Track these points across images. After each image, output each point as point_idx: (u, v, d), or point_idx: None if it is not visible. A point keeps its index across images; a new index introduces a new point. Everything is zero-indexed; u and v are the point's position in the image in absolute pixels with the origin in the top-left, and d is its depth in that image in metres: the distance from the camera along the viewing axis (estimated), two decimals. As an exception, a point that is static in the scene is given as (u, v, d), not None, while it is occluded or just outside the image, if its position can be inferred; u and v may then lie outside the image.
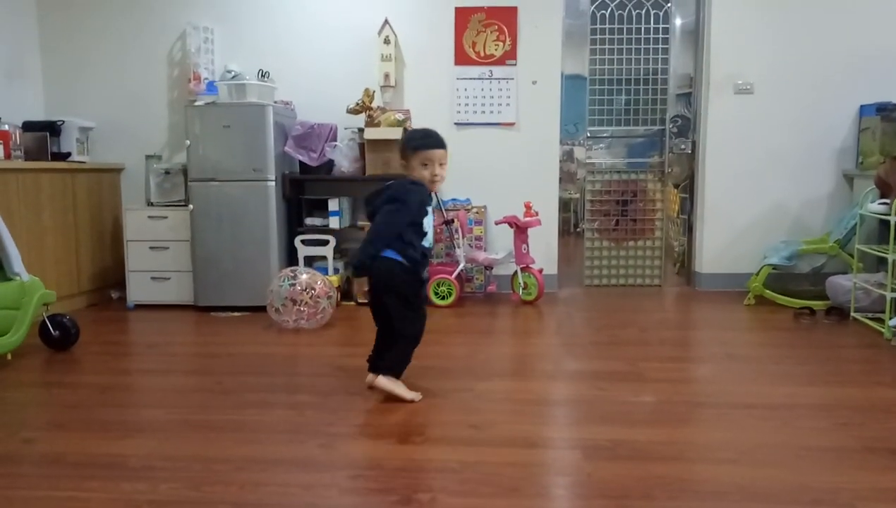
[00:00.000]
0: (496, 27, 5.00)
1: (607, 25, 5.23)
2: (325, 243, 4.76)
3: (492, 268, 5.00)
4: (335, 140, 4.83)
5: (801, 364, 3.40)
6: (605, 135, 5.41)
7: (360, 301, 4.75)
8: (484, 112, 5.05)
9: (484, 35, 5.01)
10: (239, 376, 3.24)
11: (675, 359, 3.56)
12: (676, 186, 5.58)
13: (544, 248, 5.10)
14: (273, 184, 4.55)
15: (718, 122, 5.10)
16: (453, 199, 5.02)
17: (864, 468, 2.21)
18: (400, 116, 4.72)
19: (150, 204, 4.88)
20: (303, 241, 4.76)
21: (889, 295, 3.79)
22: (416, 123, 4.96)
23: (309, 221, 4.89)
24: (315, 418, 2.69)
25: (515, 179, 5.03)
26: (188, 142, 4.55)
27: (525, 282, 4.82)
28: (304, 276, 4.08)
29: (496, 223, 4.92)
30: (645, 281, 5.48)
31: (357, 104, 4.72)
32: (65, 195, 4.61)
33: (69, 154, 4.77)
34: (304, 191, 4.98)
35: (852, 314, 4.19)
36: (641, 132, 5.38)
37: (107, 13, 5.14)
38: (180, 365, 3.56)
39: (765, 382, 3.10)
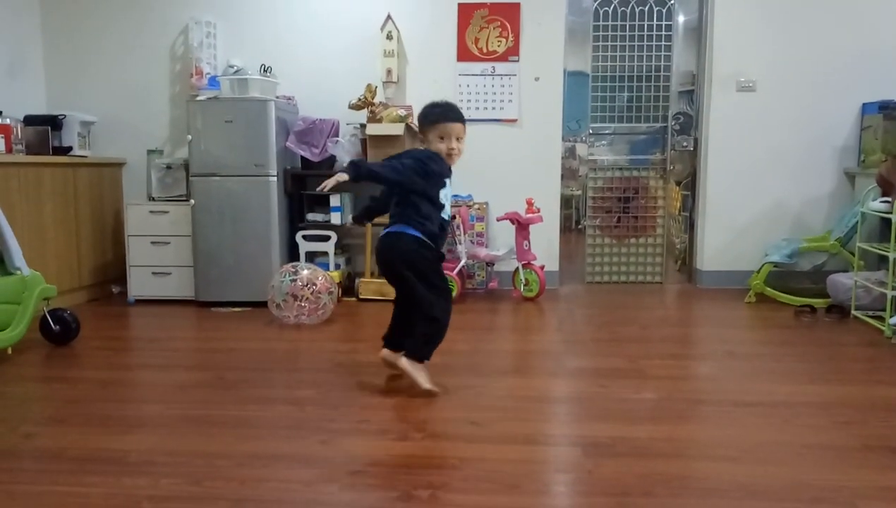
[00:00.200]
0: (499, 23, 4.99)
1: (610, 22, 5.22)
2: (326, 239, 4.76)
3: (493, 265, 5.01)
4: (337, 135, 4.83)
5: (802, 362, 3.40)
6: (607, 131, 5.40)
7: (360, 296, 4.76)
8: (486, 108, 5.04)
9: (487, 31, 5.00)
10: (240, 371, 3.24)
11: (676, 357, 3.56)
12: (678, 183, 5.58)
13: (546, 245, 5.10)
14: (274, 179, 4.55)
15: (720, 120, 5.09)
16: (455, 196, 5.00)
17: (864, 466, 2.21)
18: (402, 112, 4.71)
19: (151, 198, 4.88)
20: (304, 237, 4.76)
21: (890, 293, 3.79)
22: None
23: (310, 217, 4.89)
24: (316, 414, 2.69)
25: (517, 176, 5.02)
26: (190, 136, 4.54)
27: (526, 279, 4.82)
28: (306, 272, 4.08)
29: (498, 219, 4.92)
30: (646, 278, 5.48)
31: (359, 100, 4.72)
32: (66, 189, 4.61)
33: (70, 148, 4.77)
34: (306, 187, 4.98)
35: (853, 312, 4.18)
36: (643, 129, 5.37)
37: (109, 8, 5.13)
38: (181, 360, 3.56)
39: (765, 380, 3.10)
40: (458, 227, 4.78)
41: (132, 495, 2.03)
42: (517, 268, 4.84)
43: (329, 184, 2.76)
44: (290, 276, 4.06)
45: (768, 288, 4.70)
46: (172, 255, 4.71)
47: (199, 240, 4.59)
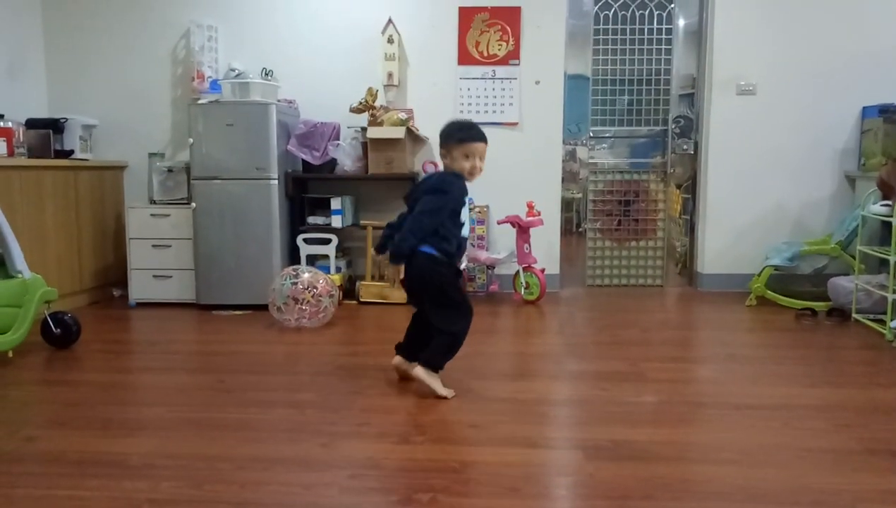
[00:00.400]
0: (499, 27, 4.99)
1: (610, 26, 5.23)
2: (327, 242, 4.76)
3: (494, 268, 5.01)
4: (338, 139, 4.84)
5: (803, 365, 3.40)
6: (607, 135, 5.41)
7: (361, 300, 4.76)
8: (487, 112, 5.05)
9: (487, 35, 5.01)
10: (240, 374, 3.24)
11: (677, 360, 3.56)
12: (679, 187, 5.58)
13: (546, 248, 5.10)
14: (276, 182, 4.56)
15: (721, 123, 5.09)
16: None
17: (865, 469, 2.21)
18: (403, 116, 4.72)
19: (152, 202, 4.89)
20: (305, 240, 4.77)
21: (890, 296, 3.79)
22: (419, 123, 4.97)
23: (311, 220, 4.90)
24: (316, 417, 2.69)
25: (518, 179, 5.03)
26: (191, 140, 4.55)
27: (527, 282, 4.82)
28: (306, 275, 4.08)
29: (498, 222, 4.93)
30: (647, 281, 5.48)
31: (360, 103, 4.72)
32: (67, 192, 4.61)
33: (72, 151, 4.78)
34: (307, 190, 4.99)
35: (854, 315, 4.18)
36: (644, 132, 5.38)
37: (111, 11, 5.14)
38: (182, 363, 3.56)
39: (766, 383, 3.10)
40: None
41: (133, 498, 2.03)
42: (518, 272, 4.85)
43: (397, 281, 2.95)
44: (290, 279, 4.06)
45: (769, 292, 4.70)
46: (173, 258, 4.71)
47: (201, 244, 4.60)
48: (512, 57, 5.02)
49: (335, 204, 4.81)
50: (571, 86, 5.24)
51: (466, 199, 2.97)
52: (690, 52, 5.31)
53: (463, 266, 4.62)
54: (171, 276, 4.74)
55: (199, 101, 4.59)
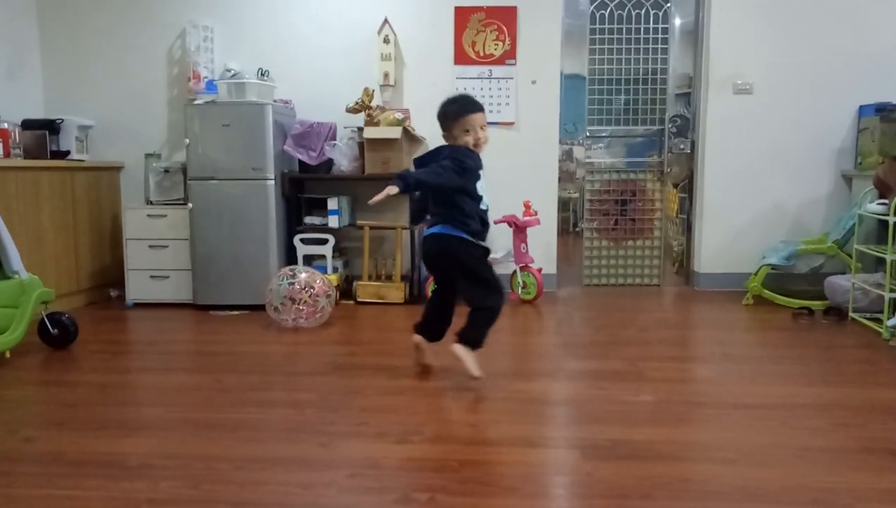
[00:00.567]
0: (496, 27, 5.00)
1: (606, 25, 5.23)
2: (324, 242, 4.76)
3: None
4: (334, 139, 4.83)
5: (800, 364, 3.40)
6: (604, 134, 5.41)
7: (358, 299, 4.76)
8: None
9: (483, 34, 5.01)
10: (238, 375, 3.24)
11: (674, 359, 3.57)
12: (675, 186, 5.59)
13: (543, 248, 5.10)
14: (272, 182, 4.55)
15: (717, 122, 5.10)
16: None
17: (862, 468, 2.21)
18: (399, 115, 4.72)
19: (149, 202, 4.88)
20: (302, 240, 4.76)
21: (887, 295, 3.80)
22: (416, 123, 4.97)
23: (308, 220, 4.90)
24: (314, 417, 2.69)
25: (514, 178, 5.03)
26: (187, 140, 4.54)
27: (524, 282, 4.82)
28: (303, 275, 4.08)
29: (495, 222, 4.89)
30: (644, 280, 5.49)
31: (356, 103, 4.72)
32: (64, 193, 4.60)
33: (68, 152, 4.76)
34: (304, 190, 4.98)
35: (850, 314, 4.19)
36: (641, 132, 5.38)
37: (107, 11, 5.13)
38: (179, 363, 3.55)
39: (763, 382, 3.11)
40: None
41: (131, 498, 2.03)
42: (515, 271, 4.85)
43: (379, 197, 2.79)
44: (287, 280, 4.05)
45: (766, 291, 4.71)
46: (170, 259, 4.71)
47: (197, 244, 4.59)
48: (508, 56, 5.03)
49: (332, 204, 4.81)
50: (568, 85, 5.25)
51: (480, 173, 3.00)
52: (687, 51, 5.32)
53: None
54: (168, 277, 4.73)
55: (196, 102, 4.59)
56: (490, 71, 5.03)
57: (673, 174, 5.43)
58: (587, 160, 5.48)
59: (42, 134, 4.61)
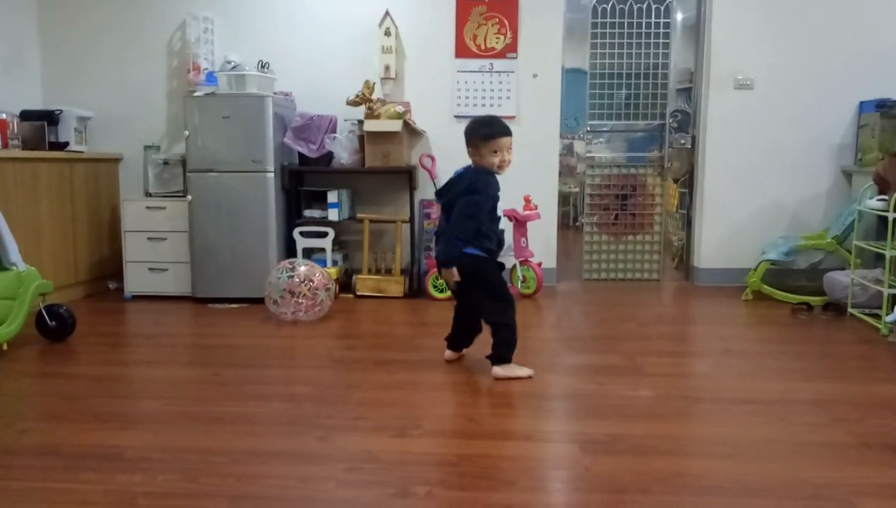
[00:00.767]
0: (497, 20, 4.98)
1: (608, 20, 5.21)
2: (323, 235, 4.75)
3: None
4: (335, 132, 4.82)
5: (799, 359, 3.40)
6: (605, 129, 5.40)
7: (358, 293, 4.76)
8: (484, 105, 5.03)
9: (485, 28, 5.00)
10: (237, 368, 3.23)
11: (673, 354, 3.57)
12: (676, 181, 5.58)
13: (543, 242, 5.10)
14: (272, 175, 4.54)
15: (718, 118, 5.09)
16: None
17: (860, 463, 2.21)
18: (400, 108, 4.70)
19: (148, 194, 4.87)
20: (301, 233, 4.76)
21: (886, 291, 3.79)
22: (416, 116, 4.96)
23: (308, 213, 4.89)
24: (313, 410, 2.68)
25: (515, 173, 4.91)
26: (187, 132, 4.53)
27: (524, 276, 4.82)
28: (303, 268, 4.07)
29: (495, 216, 4.91)
30: (643, 275, 5.48)
31: (357, 96, 4.70)
32: (62, 185, 4.59)
33: (67, 143, 4.75)
34: (303, 183, 4.97)
35: (849, 310, 4.19)
36: (641, 127, 5.37)
37: (106, 2, 5.11)
38: (178, 356, 3.55)
39: (762, 377, 3.11)
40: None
41: (128, 491, 2.02)
42: (515, 265, 4.84)
43: (454, 284, 3.04)
44: (287, 273, 4.05)
45: (765, 286, 4.70)
46: (169, 251, 4.70)
47: (196, 236, 4.58)
48: (509, 50, 5.01)
49: (332, 197, 4.80)
50: (569, 79, 5.23)
51: (498, 194, 3.10)
52: (688, 46, 5.30)
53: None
54: (166, 269, 4.72)
55: (195, 94, 4.57)
56: (491, 64, 5.02)
57: (673, 169, 5.42)
58: (588, 155, 5.47)
59: (41, 125, 4.60)
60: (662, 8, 5.19)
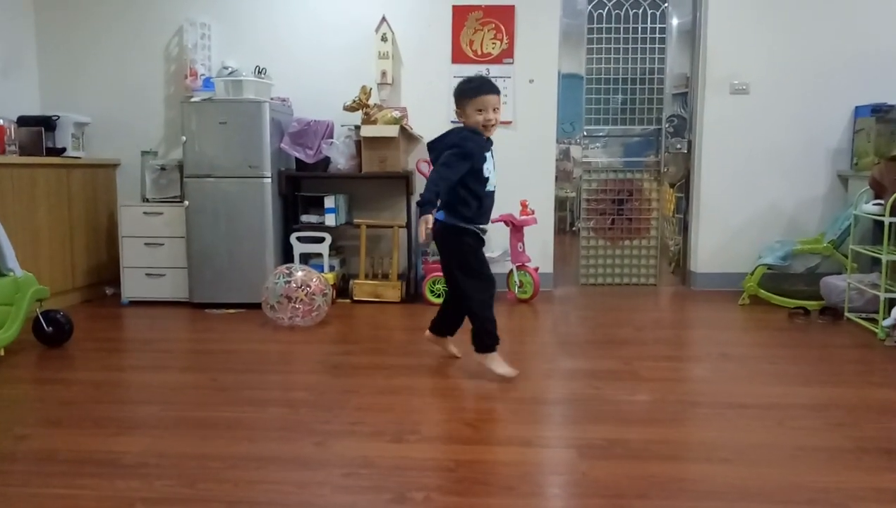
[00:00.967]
0: (493, 25, 4.99)
1: (604, 25, 5.23)
2: (320, 240, 4.75)
3: (487, 267, 5.00)
4: (331, 137, 4.83)
5: (795, 364, 3.41)
6: (601, 134, 5.41)
7: (355, 298, 4.76)
8: (480, 110, 5.03)
9: (481, 33, 5.01)
10: (234, 373, 3.23)
11: (670, 359, 3.57)
12: (672, 186, 5.58)
13: (540, 247, 5.11)
14: (269, 180, 4.55)
15: (714, 122, 5.10)
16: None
17: (857, 468, 2.22)
18: (397, 114, 4.71)
19: (145, 200, 4.87)
20: (298, 238, 4.75)
21: (883, 295, 3.80)
22: (413, 121, 4.97)
23: (305, 218, 4.89)
24: (310, 416, 2.68)
25: (512, 178, 4.99)
26: (184, 138, 4.53)
27: (521, 281, 4.82)
28: (300, 274, 4.07)
29: (492, 221, 4.90)
30: (640, 280, 5.49)
31: (354, 101, 4.71)
32: (60, 190, 4.59)
33: (64, 149, 4.75)
34: (300, 188, 4.98)
35: (846, 314, 4.20)
36: (638, 131, 5.38)
37: (104, 8, 5.12)
38: (175, 361, 3.54)
39: (759, 382, 3.11)
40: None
41: (125, 497, 2.02)
42: (511, 270, 4.85)
43: (423, 234, 2.88)
44: (284, 278, 4.05)
45: (762, 291, 4.71)
46: (166, 257, 4.70)
47: (194, 242, 4.58)
48: (506, 55, 5.02)
49: (329, 202, 4.80)
50: (565, 84, 5.24)
51: (488, 154, 3.05)
52: (684, 51, 5.31)
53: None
54: (164, 275, 4.72)
55: (192, 99, 4.57)
56: (488, 70, 5.02)
57: (670, 174, 5.43)
58: (584, 159, 5.48)
59: (38, 131, 4.60)
60: (658, 13, 5.20)
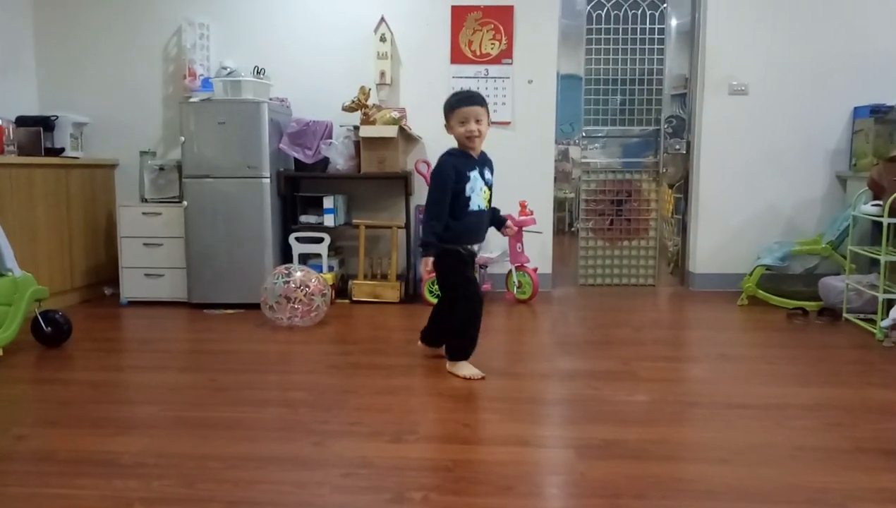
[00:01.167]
0: (492, 26, 4.99)
1: (603, 25, 5.23)
2: (319, 241, 4.75)
3: (486, 267, 5.00)
4: (330, 137, 4.83)
5: (794, 364, 3.41)
6: (600, 134, 5.41)
7: (354, 299, 4.76)
8: (479, 111, 5.03)
9: (480, 34, 5.01)
10: (233, 373, 3.23)
11: (669, 359, 3.57)
12: (671, 186, 5.59)
13: (539, 247, 5.11)
14: (268, 181, 4.55)
15: (713, 123, 5.11)
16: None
17: (855, 468, 2.22)
18: (395, 114, 4.71)
19: (144, 200, 4.87)
20: (297, 239, 4.75)
21: (881, 296, 3.81)
22: (412, 122, 4.97)
23: (303, 219, 4.89)
24: (308, 416, 2.68)
25: (511, 178, 4.99)
26: (183, 138, 4.53)
27: (519, 281, 4.82)
28: (299, 274, 4.07)
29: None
30: (639, 280, 5.49)
31: (352, 102, 4.71)
32: (58, 191, 4.59)
33: (63, 149, 4.75)
34: (299, 189, 4.98)
35: (844, 315, 4.20)
36: (636, 132, 5.39)
37: (102, 8, 5.12)
38: (174, 361, 3.54)
39: (757, 382, 3.11)
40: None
41: (124, 497, 2.02)
42: (510, 271, 4.85)
43: (425, 274, 3.09)
44: (283, 278, 4.05)
45: (760, 291, 4.72)
46: (165, 257, 4.69)
47: (192, 242, 4.58)
48: (505, 56, 5.02)
49: (327, 202, 4.80)
50: (564, 85, 5.25)
51: (473, 173, 3.07)
52: (683, 52, 5.32)
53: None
54: (162, 275, 4.72)
55: (191, 99, 4.57)
56: (486, 70, 5.03)
57: (668, 174, 5.44)
58: (583, 160, 5.49)
59: (36, 131, 4.60)
60: (657, 14, 5.21)
